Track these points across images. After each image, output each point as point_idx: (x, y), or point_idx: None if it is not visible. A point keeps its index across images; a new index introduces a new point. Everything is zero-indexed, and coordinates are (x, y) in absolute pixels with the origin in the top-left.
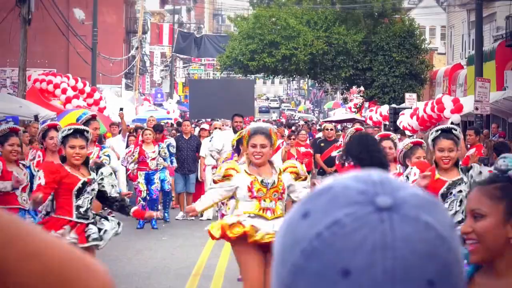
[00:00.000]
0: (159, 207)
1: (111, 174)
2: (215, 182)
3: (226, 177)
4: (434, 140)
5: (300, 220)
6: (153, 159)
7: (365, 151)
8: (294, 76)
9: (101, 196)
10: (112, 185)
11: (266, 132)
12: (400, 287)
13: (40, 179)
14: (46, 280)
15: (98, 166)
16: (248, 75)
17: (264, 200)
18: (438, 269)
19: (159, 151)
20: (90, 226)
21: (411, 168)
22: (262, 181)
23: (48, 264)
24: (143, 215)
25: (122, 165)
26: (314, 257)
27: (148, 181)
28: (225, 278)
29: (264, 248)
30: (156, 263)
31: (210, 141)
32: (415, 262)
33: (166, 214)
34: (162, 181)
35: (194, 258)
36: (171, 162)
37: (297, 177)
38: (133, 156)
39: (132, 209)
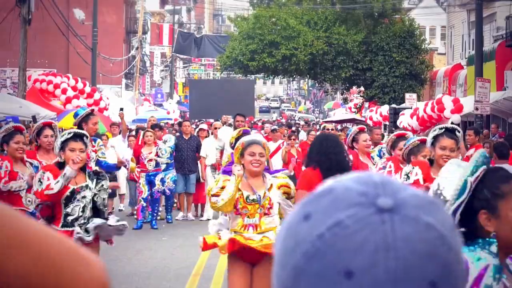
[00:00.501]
0: (160, 208)
1: (107, 189)
2: (214, 195)
3: (223, 188)
4: (436, 137)
5: (301, 222)
6: (150, 160)
7: (326, 153)
8: (294, 76)
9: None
10: (103, 198)
11: (261, 144)
12: (402, 287)
13: (50, 179)
14: (38, 270)
15: (100, 177)
16: (248, 75)
17: (248, 217)
18: (439, 268)
19: (156, 152)
20: (77, 229)
21: (413, 167)
22: (247, 198)
23: (41, 254)
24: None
25: None
26: (316, 258)
27: (149, 182)
28: (225, 278)
29: (254, 261)
30: (156, 263)
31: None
32: (416, 262)
33: (169, 217)
34: (162, 181)
35: (194, 258)
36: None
37: (288, 197)
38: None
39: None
